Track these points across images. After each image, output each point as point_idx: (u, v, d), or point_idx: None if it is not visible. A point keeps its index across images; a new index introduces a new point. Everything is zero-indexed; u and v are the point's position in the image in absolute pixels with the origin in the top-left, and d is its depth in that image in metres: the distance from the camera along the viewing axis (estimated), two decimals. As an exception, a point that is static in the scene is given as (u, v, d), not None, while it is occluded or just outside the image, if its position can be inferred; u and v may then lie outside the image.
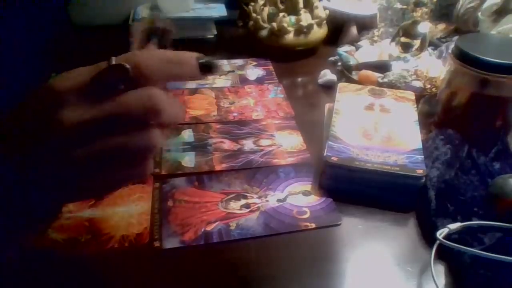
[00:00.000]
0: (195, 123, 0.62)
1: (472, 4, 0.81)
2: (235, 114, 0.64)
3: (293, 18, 0.80)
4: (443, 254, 0.40)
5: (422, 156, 0.48)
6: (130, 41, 0.27)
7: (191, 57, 0.28)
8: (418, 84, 0.64)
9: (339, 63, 0.76)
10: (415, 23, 0.71)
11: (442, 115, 0.57)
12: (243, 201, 0.48)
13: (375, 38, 0.81)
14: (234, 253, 0.42)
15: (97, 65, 0.26)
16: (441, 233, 0.40)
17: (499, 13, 0.74)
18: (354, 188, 0.48)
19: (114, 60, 0.25)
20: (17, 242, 0.31)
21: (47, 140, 0.25)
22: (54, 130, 0.25)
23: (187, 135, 0.59)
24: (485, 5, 0.77)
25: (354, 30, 0.85)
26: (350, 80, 0.69)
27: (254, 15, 0.83)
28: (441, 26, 0.86)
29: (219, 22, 0.92)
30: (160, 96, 0.26)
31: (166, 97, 0.27)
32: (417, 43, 0.71)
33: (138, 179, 0.29)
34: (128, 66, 0.25)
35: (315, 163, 0.54)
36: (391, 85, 0.64)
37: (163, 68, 0.27)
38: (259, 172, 0.52)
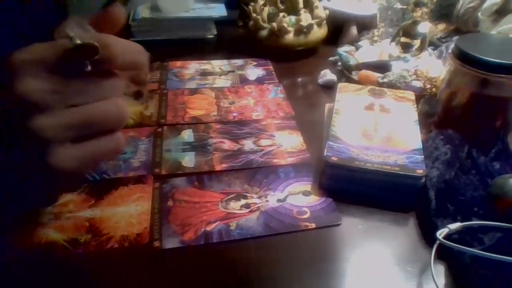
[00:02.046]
0: (195, 123, 0.62)
1: (472, 4, 0.81)
2: (235, 114, 0.64)
3: (293, 18, 0.80)
4: (443, 254, 0.40)
5: (422, 156, 0.48)
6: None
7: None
8: (418, 84, 0.64)
9: (339, 63, 0.76)
10: (415, 23, 0.71)
11: (442, 115, 0.57)
12: (243, 201, 0.48)
13: (375, 38, 0.81)
14: (234, 253, 0.42)
15: (59, 42, 0.25)
16: (441, 233, 0.40)
17: (499, 13, 0.74)
18: (354, 188, 0.48)
19: (78, 40, 0.25)
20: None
21: (7, 105, 0.25)
22: (12, 99, 0.24)
23: (187, 135, 0.59)
24: (485, 5, 0.77)
25: (354, 30, 0.85)
26: (350, 80, 0.69)
27: (254, 15, 0.83)
28: (441, 26, 0.86)
29: (219, 22, 0.92)
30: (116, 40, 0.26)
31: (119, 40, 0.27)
32: (417, 43, 0.71)
33: (109, 151, 0.28)
34: (97, 45, 0.25)
35: (315, 163, 0.54)
36: (391, 85, 0.64)
37: (128, 53, 0.27)
38: (259, 172, 0.52)
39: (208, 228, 0.44)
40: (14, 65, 0.25)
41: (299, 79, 0.77)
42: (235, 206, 0.47)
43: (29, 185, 0.27)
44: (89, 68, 0.25)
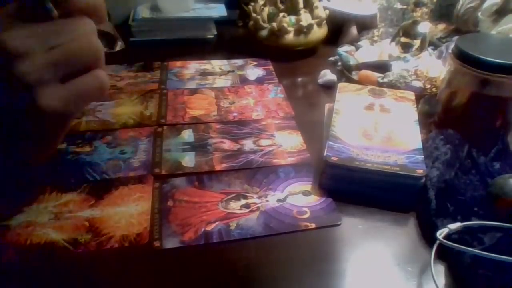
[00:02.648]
0: (195, 123, 0.62)
1: (472, 4, 0.81)
2: (235, 114, 0.64)
3: (293, 18, 0.80)
4: (443, 254, 0.40)
5: (422, 156, 0.48)
6: None
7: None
8: (418, 84, 0.64)
9: (339, 63, 0.76)
10: (415, 23, 0.71)
11: (442, 115, 0.57)
12: (243, 201, 0.48)
13: (375, 38, 0.81)
14: (234, 253, 0.42)
15: None
16: (441, 233, 0.40)
17: (499, 13, 0.74)
18: (354, 188, 0.48)
19: None
20: None
21: None
22: None
23: (187, 135, 0.59)
24: (485, 5, 0.77)
25: (354, 30, 0.85)
26: (350, 80, 0.69)
27: (254, 15, 0.83)
28: (441, 26, 0.86)
29: (219, 22, 0.92)
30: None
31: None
32: (417, 43, 0.71)
33: (94, 88, 0.29)
34: None
35: (315, 163, 0.54)
36: (391, 85, 0.64)
37: None
38: (259, 172, 0.52)
39: (208, 228, 0.44)
40: None
41: (299, 79, 0.77)
42: (235, 206, 0.47)
43: (21, 134, 0.28)
44: (55, 12, 0.27)
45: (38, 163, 0.31)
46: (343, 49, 0.77)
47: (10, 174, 0.31)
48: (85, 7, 0.28)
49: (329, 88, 0.71)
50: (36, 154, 0.31)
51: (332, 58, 0.79)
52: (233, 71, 0.78)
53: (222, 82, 0.74)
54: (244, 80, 0.75)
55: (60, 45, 0.27)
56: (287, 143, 0.58)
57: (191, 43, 0.89)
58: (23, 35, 0.26)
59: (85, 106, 0.29)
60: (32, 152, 0.30)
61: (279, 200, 0.48)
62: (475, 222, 0.41)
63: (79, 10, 0.28)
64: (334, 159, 0.47)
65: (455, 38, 0.67)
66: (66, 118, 0.29)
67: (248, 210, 0.47)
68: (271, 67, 0.79)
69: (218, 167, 0.53)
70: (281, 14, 0.79)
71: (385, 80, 0.65)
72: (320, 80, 0.73)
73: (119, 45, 0.33)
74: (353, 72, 0.71)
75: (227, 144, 0.57)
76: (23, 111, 0.27)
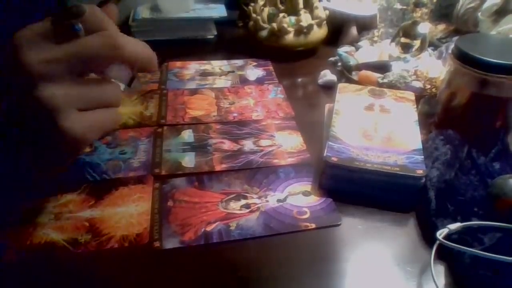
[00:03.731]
0: (195, 123, 0.62)
1: (472, 5, 0.81)
2: (235, 115, 0.64)
3: (293, 19, 0.80)
4: (443, 254, 0.40)
5: (422, 157, 0.48)
6: None
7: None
8: (418, 84, 0.64)
9: (339, 64, 0.76)
10: (415, 23, 0.71)
11: (442, 115, 0.57)
12: (243, 201, 0.48)
13: (375, 39, 0.81)
14: (234, 253, 0.42)
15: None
16: (441, 233, 0.40)
17: (499, 14, 0.74)
18: (354, 188, 0.48)
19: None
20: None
21: (14, 81, 0.27)
22: (18, 71, 0.26)
23: (187, 135, 0.59)
24: (485, 5, 0.77)
25: (354, 30, 0.85)
26: (350, 81, 0.69)
27: (254, 15, 0.83)
28: (441, 26, 0.86)
29: (219, 22, 0.92)
30: (119, 34, 0.29)
31: (126, 36, 0.30)
32: (417, 43, 0.71)
33: (110, 121, 0.31)
34: (84, 7, 0.27)
35: (315, 163, 0.54)
36: (391, 86, 0.64)
37: (133, 45, 0.30)
38: (259, 172, 0.52)
39: (208, 228, 0.44)
40: (15, 42, 0.27)
41: (299, 80, 0.77)
42: (235, 206, 0.47)
43: (39, 157, 0.30)
44: (83, 31, 0.27)
45: (48, 178, 0.33)
46: (343, 50, 0.77)
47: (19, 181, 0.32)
48: (134, 57, 0.31)
49: (329, 88, 0.71)
50: (48, 171, 0.32)
51: (332, 59, 0.79)
52: (233, 72, 0.78)
53: (222, 82, 0.74)
54: (244, 81, 0.75)
55: (85, 72, 0.29)
56: (287, 144, 0.58)
57: (191, 43, 0.89)
58: (47, 57, 0.26)
59: (99, 136, 0.31)
60: (44, 170, 0.31)
61: (279, 200, 0.48)
62: (475, 222, 0.41)
63: (127, 60, 0.30)
64: (334, 159, 0.47)
65: (455, 38, 0.67)
66: (81, 144, 0.30)
67: (248, 210, 0.47)
68: (271, 68, 0.79)
69: (218, 168, 0.53)
70: (281, 15, 0.80)
71: (385, 80, 0.65)
72: (320, 81, 0.73)
73: (135, 83, 0.35)
74: (353, 73, 0.71)
75: (227, 145, 0.57)
76: (43, 131, 0.28)
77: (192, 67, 0.78)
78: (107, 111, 0.30)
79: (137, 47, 0.31)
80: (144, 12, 0.89)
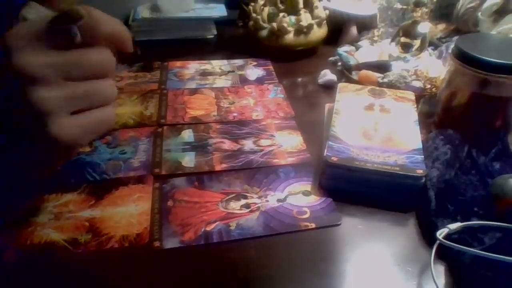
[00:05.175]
0: (195, 123, 0.62)
1: (472, 4, 0.81)
2: (235, 114, 0.64)
3: (293, 18, 0.80)
4: (443, 254, 0.40)
5: (422, 156, 0.48)
6: None
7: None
8: (418, 84, 0.64)
9: (339, 63, 0.76)
10: (415, 23, 0.71)
11: (442, 115, 0.57)
12: (243, 201, 0.48)
13: (375, 38, 0.81)
14: (234, 253, 0.42)
15: (47, 15, 0.27)
16: (441, 233, 0.40)
17: (499, 13, 0.74)
18: (354, 188, 0.48)
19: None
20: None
21: (4, 81, 0.26)
22: (10, 73, 0.26)
23: (187, 135, 0.59)
24: (485, 5, 0.77)
25: (354, 30, 0.85)
26: (350, 80, 0.69)
27: (254, 15, 0.83)
28: (441, 26, 0.86)
29: (219, 22, 0.92)
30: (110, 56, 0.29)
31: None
32: (417, 43, 0.71)
33: (104, 123, 0.30)
34: (82, 11, 0.27)
35: (315, 163, 0.54)
36: (391, 85, 0.64)
37: (111, 23, 0.29)
38: (259, 172, 0.52)
39: (208, 228, 0.44)
40: (9, 42, 0.26)
41: (299, 79, 0.77)
42: (235, 206, 0.47)
43: (29, 159, 0.29)
44: (79, 36, 0.27)
45: (41, 179, 0.32)
46: (343, 49, 0.77)
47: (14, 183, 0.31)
48: (110, 36, 0.29)
49: (329, 88, 0.71)
50: (40, 173, 0.31)
51: (332, 58, 0.79)
52: (233, 71, 0.78)
53: (222, 82, 0.74)
54: (244, 80, 0.75)
55: (79, 79, 0.28)
56: (287, 143, 0.58)
57: (191, 43, 0.89)
58: (41, 60, 0.26)
59: (92, 138, 0.30)
60: (36, 171, 0.31)
61: (279, 200, 0.48)
62: (475, 222, 0.41)
63: (104, 38, 0.29)
64: (334, 159, 0.47)
65: (455, 38, 0.67)
66: (73, 148, 0.30)
67: (248, 210, 0.47)
68: (271, 67, 0.79)
69: (218, 167, 0.53)
70: (281, 14, 0.80)
71: (385, 80, 0.65)
72: (320, 80, 0.73)
73: (119, 67, 0.35)
74: (353, 72, 0.71)
75: (227, 144, 0.57)
76: (33, 135, 0.27)
77: (192, 66, 0.78)
78: (100, 111, 0.29)
79: (113, 23, 0.30)
80: (144, 12, 0.89)
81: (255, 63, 0.81)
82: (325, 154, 0.48)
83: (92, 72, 0.28)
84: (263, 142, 0.58)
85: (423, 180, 0.46)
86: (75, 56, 0.27)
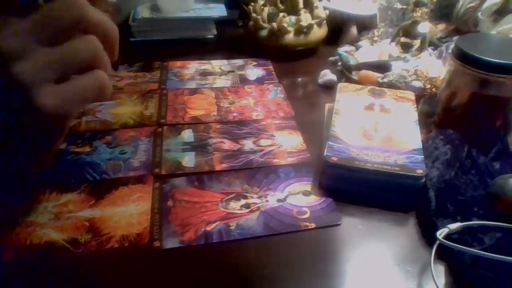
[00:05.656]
0: (195, 123, 0.62)
1: (472, 4, 0.81)
2: (235, 114, 0.64)
3: (293, 18, 0.80)
4: (443, 254, 0.40)
5: (422, 156, 0.48)
6: None
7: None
8: (418, 84, 0.64)
9: (339, 63, 0.76)
10: (415, 23, 0.71)
11: (442, 115, 0.57)
12: (243, 201, 0.48)
13: (375, 38, 0.81)
14: (234, 253, 0.42)
15: None
16: (441, 233, 0.40)
17: (499, 13, 0.74)
18: (354, 188, 0.48)
19: None
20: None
21: None
22: None
23: (187, 135, 0.59)
24: (485, 5, 0.77)
25: (354, 30, 0.85)
26: (350, 80, 0.69)
27: (254, 15, 0.83)
28: (441, 26, 0.86)
29: (219, 22, 0.92)
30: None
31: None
32: (417, 43, 0.71)
33: (93, 88, 0.28)
34: None
35: (315, 163, 0.54)
36: (391, 85, 0.64)
37: (99, 15, 0.28)
38: (259, 172, 0.52)
39: (208, 228, 0.44)
40: None
41: (299, 79, 0.77)
42: (235, 206, 0.47)
43: (19, 135, 0.28)
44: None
45: (38, 167, 0.31)
46: (343, 49, 0.77)
47: (9, 176, 0.30)
48: (94, 25, 0.28)
49: (329, 88, 0.71)
50: (35, 157, 0.30)
51: (332, 58, 0.79)
52: (233, 71, 0.78)
53: (222, 82, 0.74)
54: (244, 80, 0.75)
55: (58, 43, 0.26)
56: (287, 143, 0.58)
57: (191, 43, 0.89)
58: (17, 33, 0.25)
59: (82, 106, 0.29)
60: (30, 155, 0.30)
61: (279, 200, 0.48)
62: (475, 222, 0.41)
63: (87, 26, 0.27)
64: (334, 159, 0.47)
65: (455, 38, 0.67)
66: (63, 118, 0.28)
67: (248, 210, 0.47)
68: (271, 67, 0.79)
69: (218, 167, 0.53)
70: (281, 14, 0.79)
71: (385, 80, 0.65)
72: (320, 80, 0.73)
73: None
74: (353, 72, 0.71)
75: (227, 144, 0.57)
76: (19, 111, 0.26)
77: (192, 66, 0.78)
78: (88, 76, 0.28)
79: (101, 16, 0.28)
80: (144, 12, 0.89)
81: (255, 63, 0.81)
82: (325, 154, 0.48)
83: (63, 26, 0.27)
84: (263, 142, 0.58)
85: (423, 180, 0.46)
86: (41, 16, 0.26)
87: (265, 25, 0.81)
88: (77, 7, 0.26)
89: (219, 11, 0.92)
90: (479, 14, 0.78)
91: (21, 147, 0.29)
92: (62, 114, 0.27)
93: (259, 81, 0.74)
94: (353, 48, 0.78)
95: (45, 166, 0.31)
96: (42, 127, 0.28)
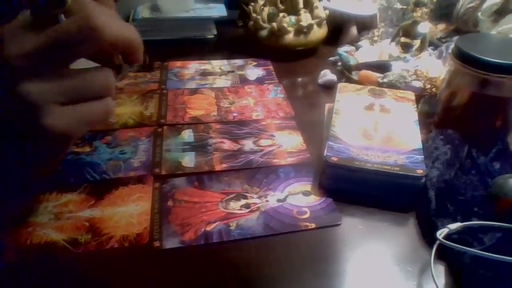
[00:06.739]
0: (195, 123, 0.62)
1: (472, 4, 0.81)
2: (235, 114, 0.64)
3: (293, 18, 0.80)
4: (443, 254, 0.40)
5: (422, 156, 0.48)
6: None
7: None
8: (418, 84, 0.64)
9: (339, 63, 0.76)
10: (415, 23, 0.71)
11: (442, 115, 0.57)
12: (243, 201, 0.48)
13: (375, 38, 0.81)
14: (234, 253, 0.42)
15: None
16: (441, 233, 0.40)
17: (499, 13, 0.74)
18: (354, 188, 0.48)
19: None
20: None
21: None
22: (1, 66, 0.25)
23: (187, 135, 0.59)
24: (485, 5, 0.77)
25: (354, 30, 0.85)
26: (350, 80, 0.69)
27: (254, 15, 0.83)
28: (441, 26, 0.86)
29: (219, 22, 0.92)
30: (100, 15, 0.26)
31: (110, 17, 0.27)
32: (417, 43, 0.71)
33: (99, 113, 0.29)
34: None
35: (315, 163, 0.54)
36: (391, 85, 0.64)
37: (117, 28, 0.28)
38: (259, 172, 0.52)
39: (208, 228, 0.44)
40: (1, 32, 0.25)
41: (299, 79, 0.77)
42: (235, 206, 0.47)
43: (23, 158, 0.28)
44: (63, 17, 0.26)
45: (39, 178, 0.31)
46: (343, 49, 0.77)
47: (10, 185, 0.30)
48: (114, 43, 0.28)
49: (329, 88, 0.71)
50: (36, 171, 0.30)
51: (332, 58, 0.79)
52: (233, 71, 0.78)
53: (222, 82, 0.74)
54: (244, 80, 0.75)
55: (71, 70, 0.26)
56: (287, 143, 0.58)
57: (191, 43, 0.89)
58: (28, 48, 0.25)
59: (87, 129, 0.29)
60: (32, 169, 0.30)
61: (279, 200, 0.48)
62: (475, 222, 0.41)
63: (109, 44, 0.27)
64: (334, 159, 0.47)
65: (455, 38, 0.67)
66: (67, 140, 0.28)
67: (248, 210, 0.47)
68: (271, 67, 0.79)
69: (218, 167, 0.53)
70: (281, 14, 0.80)
71: (385, 80, 0.65)
72: (320, 80, 0.73)
73: (124, 71, 0.32)
74: (353, 72, 0.71)
75: (227, 144, 0.57)
76: (26, 128, 0.26)
77: (192, 66, 0.78)
78: (96, 102, 0.28)
79: (119, 29, 0.28)
80: (144, 12, 0.89)
81: (255, 63, 0.81)
82: (325, 154, 0.48)
83: (77, 48, 0.26)
84: (263, 142, 0.58)
85: (423, 180, 0.46)
86: (53, 35, 0.25)
87: (265, 25, 0.81)
88: (91, 29, 0.26)
89: (219, 11, 0.92)
90: (479, 14, 0.78)
91: (24, 163, 0.29)
92: (68, 136, 0.28)
93: (259, 81, 0.74)
94: (353, 48, 0.78)
95: (47, 176, 0.31)
96: (46, 145, 0.28)
